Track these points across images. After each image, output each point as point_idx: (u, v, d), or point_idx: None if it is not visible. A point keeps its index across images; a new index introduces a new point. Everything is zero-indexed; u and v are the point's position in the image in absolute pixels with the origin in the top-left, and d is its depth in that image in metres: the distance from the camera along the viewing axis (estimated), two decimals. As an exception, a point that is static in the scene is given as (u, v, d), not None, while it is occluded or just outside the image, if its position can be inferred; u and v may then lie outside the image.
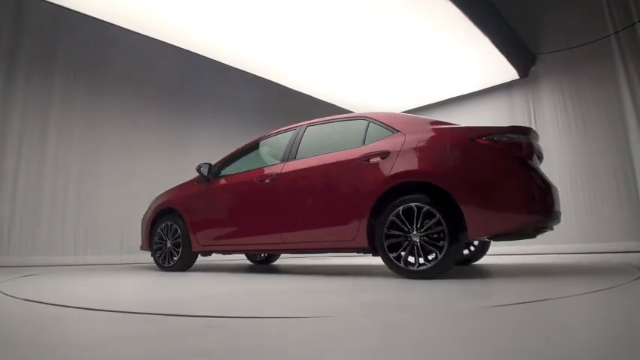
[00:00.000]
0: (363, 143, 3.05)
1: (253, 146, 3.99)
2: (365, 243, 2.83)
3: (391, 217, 2.67)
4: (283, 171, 3.38)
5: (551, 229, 2.83)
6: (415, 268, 2.59)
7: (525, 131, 2.72)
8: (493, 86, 7.62)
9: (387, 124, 3.03)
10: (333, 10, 5.33)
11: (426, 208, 2.55)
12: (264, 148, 3.99)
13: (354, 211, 2.89)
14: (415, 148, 2.76)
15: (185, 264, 4.00)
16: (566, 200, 6.43)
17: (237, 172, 3.81)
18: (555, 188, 2.74)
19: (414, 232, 2.58)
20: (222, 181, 3.81)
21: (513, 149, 2.60)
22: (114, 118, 5.83)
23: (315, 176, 3.22)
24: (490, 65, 6.84)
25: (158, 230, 4.14)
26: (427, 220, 2.55)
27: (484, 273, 3.08)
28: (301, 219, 3.21)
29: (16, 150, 4.90)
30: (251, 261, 5.37)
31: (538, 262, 4.50)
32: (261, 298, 2.01)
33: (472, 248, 3.77)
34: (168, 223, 4.06)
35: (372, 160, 2.89)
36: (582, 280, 2.36)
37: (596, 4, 6.34)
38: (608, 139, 6.13)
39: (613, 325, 1.21)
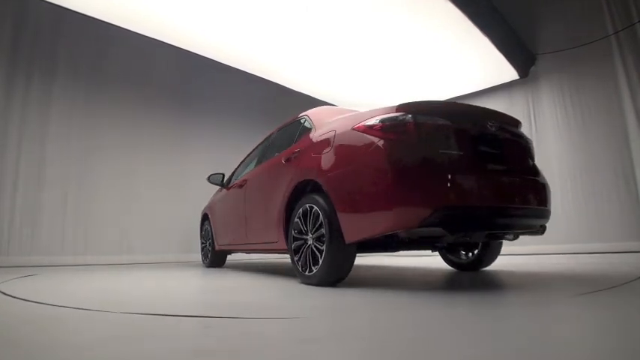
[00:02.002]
0: (294, 143, 2.97)
1: (254, 150, 4.11)
2: (285, 245, 2.74)
3: (295, 219, 2.56)
4: (248, 177, 3.67)
5: (537, 229, 2.42)
6: (307, 274, 2.41)
7: (415, 109, 2.15)
8: (493, 86, 7.62)
9: (312, 121, 2.89)
10: (333, 10, 5.33)
11: (315, 209, 2.37)
12: (260, 152, 4.04)
13: (273, 213, 2.88)
14: (313, 144, 2.62)
15: (216, 261, 4.71)
16: (567, 200, 6.44)
17: (240, 178, 4.11)
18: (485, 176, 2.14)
19: (309, 235, 2.41)
20: (229, 188, 4.21)
21: (390, 134, 2.09)
22: (114, 118, 5.83)
23: (257, 181, 3.42)
24: (490, 65, 6.83)
25: (202, 232, 5.04)
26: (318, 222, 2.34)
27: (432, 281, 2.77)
28: (250, 222, 3.42)
29: (16, 150, 4.90)
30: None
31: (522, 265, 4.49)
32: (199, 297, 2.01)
33: (476, 251, 3.20)
34: (206, 226, 4.88)
35: (289, 161, 2.86)
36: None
37: (596, 4, 6.33)
38: (608, 139, 6.12)
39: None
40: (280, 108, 7.52)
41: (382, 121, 2.14)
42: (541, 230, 2.45)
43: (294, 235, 2.55)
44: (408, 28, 5.81)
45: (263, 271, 3.93)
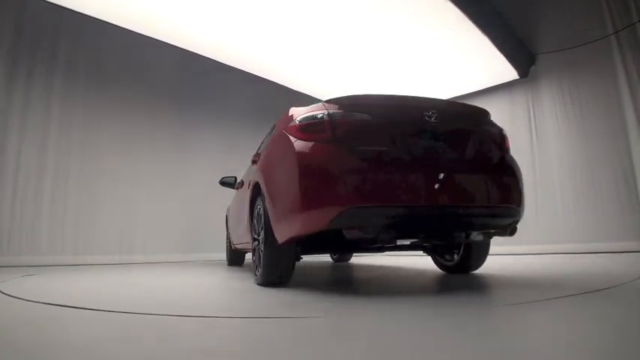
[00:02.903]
0: (262, 143, 3.18)
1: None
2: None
3: (253, 221, 2.63)
4: (243, 177, 3.78)
5: (506, 231, 2.25)
6: (256, 274, 2.48)
7: (339, 105, 2.11)
8: (493, 86, 7.61)
9: (278, 121, 2.95)
10: (333, 10, 5.33)
11: (261, 210, 2.38)
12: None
13: (245, 214, 2.96)
14: (267, 145, 2.74)
15: (235, 260, 4.79)
16: (566, 199, 6.44)
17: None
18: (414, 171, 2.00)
19: (261, 237, 2.41)
20: (237, 188, 4.26)
21: (305, 134, 2.07)
22: (114, 118, 5.83)
23: (244, 181, 3.52)
24: (490, 65, 6.83)
25: (226, 232, 5.01)
26: None
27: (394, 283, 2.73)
28: (240, 222, 3.48)
29: (16, 150, 4.90)
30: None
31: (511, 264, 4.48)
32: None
33: (459, 254, 2.96)
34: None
35: (254, 163, 3.01)
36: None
37: (596, 4, 6.33)
38: (608, 139, 6.12)
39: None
40: (280, 107, 7.52)
41: (300, 120, 2.14)
42: (509, 231, 2.23)
43: (253, 236, 2.63)
44: (408, 28, 5.81)
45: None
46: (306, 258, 6.15)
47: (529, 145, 7.06)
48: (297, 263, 2.40)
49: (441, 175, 2.02)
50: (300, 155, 2.01)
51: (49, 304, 1.75)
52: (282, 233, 2.11)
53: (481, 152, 2.27)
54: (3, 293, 2.13)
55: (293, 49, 6.36)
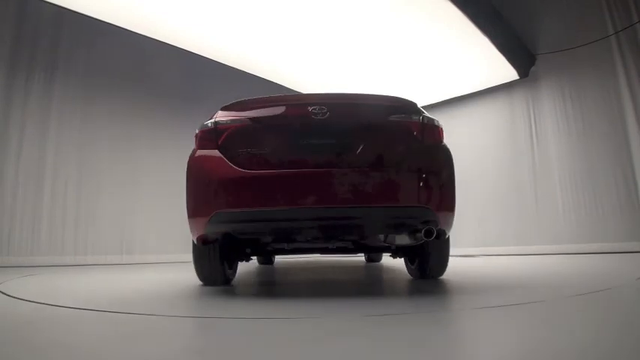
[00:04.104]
0: None
1: None
2: None
3: None
4: None
5: (421, 233, 1.99)
6: None
7: (230, 109, 2.18)
8: (493, 86, 7.61)
9: None
10: (333, 11, 5.33)
11: None
12: None
13: None
14: None
15: (261, 260, 4.79)
16: (566, 200, 6.44)
17: None
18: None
19: None
20: None
21: (197, 142, 2.18)
22: (114, 119, 5.83)
23: None
24: (490, 65, 6.83)
25: None
26: None
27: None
28: None
29: (16, 150, 4.90)
30: None
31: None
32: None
33: (418, 258, 2.68)
34: None
35: None
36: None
37: (596, 4, 6.33)
38: (608, 139, 6.12)
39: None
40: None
41: (198, 129, 2.22)
42: (423, 234, 1.97)
43: None
44: (408, 28, 5.81)
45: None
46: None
47: (529, 145, 7.07)
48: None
49: (321, 175, 1.94)
50: (190, 164, 2.16)
51: (49, 304, 1.75)
52: (191, 236, 2.20)
53: (381, 148, 2.07)
54: (3, 293, 2.13)
55: (294, 49, 6.37)
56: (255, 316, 1.48)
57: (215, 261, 2.35)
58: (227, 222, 1.98)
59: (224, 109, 2.23)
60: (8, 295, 2.07)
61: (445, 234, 2.16)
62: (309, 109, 2.02)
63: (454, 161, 2.24)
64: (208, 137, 2.12)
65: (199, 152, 2.13)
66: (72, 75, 5.48)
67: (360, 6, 5.25)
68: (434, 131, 2.20)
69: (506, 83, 7.45)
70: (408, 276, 2.85)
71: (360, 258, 5.73)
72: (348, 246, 2.54)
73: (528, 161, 7.02)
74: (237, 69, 6.96)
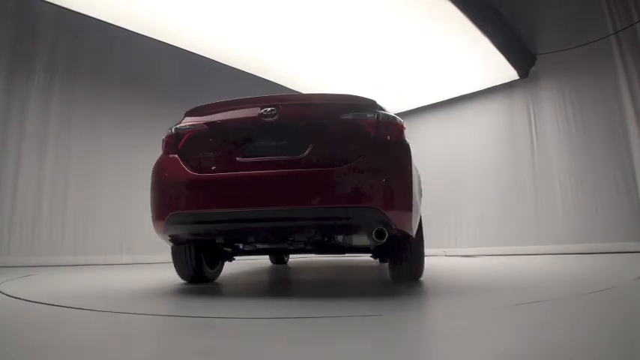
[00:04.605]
0: None
1: None
2: None
3: None
4: None
5: (371, 235, 1.95)
6: None
7: (191, 114, 2.32)
8: (493, 86, 7.61)
9: None
10: (334, 10, 5.33)
11: None
12: None
13: None
14: None
15: (277, 260, 5.09)
16: (566, 200, 6.44)
17: None
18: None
19: None
20: None
21: (163, 147, 2.32)
22: (114, 118, 5.82)
23: None
24: (490, 65, 6.83)
25: None
26: None
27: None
28: None
29: (16, 150, 4.90)
30: None
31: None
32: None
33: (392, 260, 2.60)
34: None
35: None
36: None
37: (596, 4, 6.32)
38: (608, 139, 6.12)
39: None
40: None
41: (165, 134, 2.32)
42: (374, 235, 1.92)
43: None
44: (408, 28, 5.81)
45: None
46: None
47: (529, 145, 7.07)
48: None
49: (262, 177, 1.96)
50: (153, 168, 2.27)
51: (49, 304, 1.75)
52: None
53: (329, 148, 2.02)
54: (3, 293, 2.13)
55: (293, 49, 6.37)
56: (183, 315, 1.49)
57: (192, 260, 2.51)
58: (181, 223, 2.09)
59: (187, 114, 2.33)
60: (8, 295, 2.07)
61: (407, 235, 2.07)
62: (259, 111, 2.06)
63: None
64: (170, 142, 2.24)
65: (163, 157, 2.25)
66: (72, 75, 5.47)
67: (360, 6, 5.25)
68: (390, 129, 2.11)
69: (506, 83, 7.44)
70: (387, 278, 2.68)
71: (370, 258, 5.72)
72: (307, 247, 2.47)
73: (528, 161, 7.03)
74: (239, 69, 6.96)
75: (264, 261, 5.41)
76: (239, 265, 4.97)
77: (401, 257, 2.38)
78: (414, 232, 2.14)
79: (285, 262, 5.30)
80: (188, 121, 2.28)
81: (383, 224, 1.91)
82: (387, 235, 1.92)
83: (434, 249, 7.70)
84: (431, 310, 1.70)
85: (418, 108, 8.50)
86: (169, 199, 2.10)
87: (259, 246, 2.49)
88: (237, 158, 2.04)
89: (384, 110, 2.16)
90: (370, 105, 2.16)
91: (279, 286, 2.95)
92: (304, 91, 7.83)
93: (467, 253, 7.03)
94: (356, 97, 2.23)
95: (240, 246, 2.51)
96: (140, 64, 6.18)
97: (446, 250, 7.58)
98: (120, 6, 5.21)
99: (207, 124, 2.19)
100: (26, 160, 4.97)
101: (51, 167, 5.16)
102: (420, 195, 2.63)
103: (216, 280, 2.85)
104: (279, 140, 2.06)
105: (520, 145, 7.20)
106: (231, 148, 2.08)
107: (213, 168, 2.04)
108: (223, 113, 2.22)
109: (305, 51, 6.45)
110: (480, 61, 6.69)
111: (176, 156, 2.15)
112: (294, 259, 5.80)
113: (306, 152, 1.98)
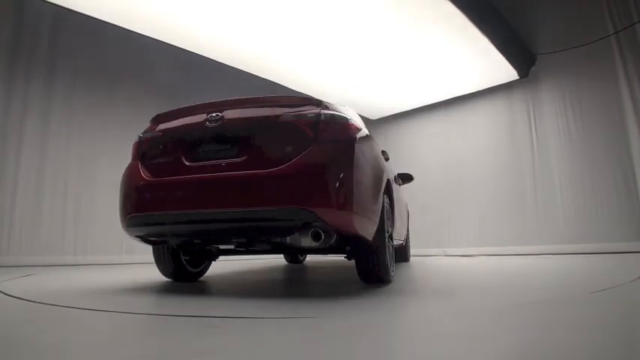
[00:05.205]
0: None
1: None
2: None
3: None
4: None
5: (307, 235, 1.95)
6: None
7: (155, 121, 2.52)
8: (493, 86, 7.62)
9: None
10: (334, 10, 5.34)
11: None
12: None
13: None
14: None
15: (291, 259, 5.09)
16: (566, 200, 6.45)
17: None
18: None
19: None
20: None
21: (133, 153, 2.49)
22: (114, 118, 5.82)
23: None
24: (490, 65, 6.83)
25: None
26: None
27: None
28: None
29: (16, 150, 4.90)
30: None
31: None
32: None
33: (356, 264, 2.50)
34: None
35: None
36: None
37: (596, 4, 6.33)
38: (608, 139, 6.13)
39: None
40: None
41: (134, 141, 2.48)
42: (310, 236, 1.91)
43: None
44: (407, 29, 5.82)
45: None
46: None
47: (529, 145, 7.08)
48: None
49: (200, 181, 2.04)
50: (123, 174, 2.40)
51: (49, 304, 1.75)
52: None
53: (268, 149, 2.04)
54: (3, 293, 2.13)
55: (293, 50, 6.38)
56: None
57: (170, 258, 2.63)
58: (137, 225, 2.24)
59: (152, 120, 2.48)
60: (8, 295, 2.07)
61: (357, 237, 2.00)
62: (205, 116, 2.16)
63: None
64: (136, 148, 2.42)
65: (130, 162, 2.42)
66: (72, 75, 5.47)
67: (360, 6, 5.26)
68: (333, 127, 2.06)
69: (506, 83, 7.45)
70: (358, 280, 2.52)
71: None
72: (265, 247, 2.52)
73: (528, 161, 7.03)
74: (239, 69, 6.96)
75: (278, 260, 5.43)
76: (243, 265, 4.97)
77: (363, 259, 2.29)
78: (369, 234, 2.07)
79: (300, 262, 5.16)
80: (149, 129, 2.44)
81: (317, 224, 1.88)
82: (323, 236, 1.90)
83: (434, 249, 7.71)
84: (377, 312, 1.60)
85: (418, 108, 8.50)
86: (129, 202, 2.25)
87: (222, 247, 2.63)
88: (187, 163, 2.15)
89: (330, 110, 2.11)
90: (310, 104, 2.14)
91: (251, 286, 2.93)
92: (304, 91, 7.84)
93: (467, 253, 7.04)
94: (301, 98, 2.35)
95: (220, 246, 2.64)
96: (140, 64, 6.18)
97: (446, 250, 7.59)
98: (120, 6, 5.22)
99: (162, 130, 2.35)
100: (26, 160, 4.97)
101: (51, 167, 5.16)
102: (389, 195, 2.59)
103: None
104: (222, 144, 2.13)
105: (520, 144, 7.20)
106: (181, 154, 2.19)
107: (165, 172, 2.18)
108: (178, 120, 2.34)
109: (305, 51, 6.46)
110: (480, 61, 6.70)
111: (138, 162, 2.33)
112: (311, 258, 5.71)
113: (245, 155, 2.03)
